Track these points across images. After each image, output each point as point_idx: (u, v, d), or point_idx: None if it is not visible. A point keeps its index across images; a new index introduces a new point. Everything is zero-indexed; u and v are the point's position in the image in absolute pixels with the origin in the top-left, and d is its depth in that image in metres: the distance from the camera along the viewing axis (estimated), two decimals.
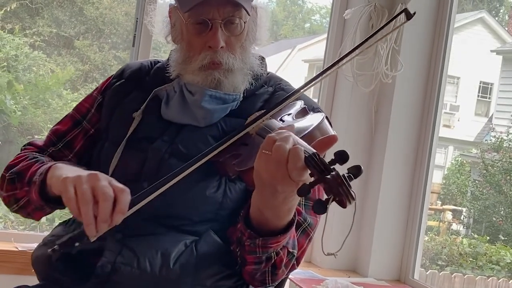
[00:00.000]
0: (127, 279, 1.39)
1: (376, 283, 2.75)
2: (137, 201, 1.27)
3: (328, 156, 1.19)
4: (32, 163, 1.50)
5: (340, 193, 1.10)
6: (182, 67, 1.56)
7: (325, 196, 1.13)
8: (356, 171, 1.13)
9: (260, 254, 1.36)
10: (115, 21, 11.24)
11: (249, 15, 1.54)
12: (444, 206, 11.85)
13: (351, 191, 1.10)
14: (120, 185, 1.26)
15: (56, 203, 1.40)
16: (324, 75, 1.46)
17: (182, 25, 1.54)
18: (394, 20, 1.57)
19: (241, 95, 1.56)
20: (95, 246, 1.41)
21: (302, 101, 1.55)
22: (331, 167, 1.13)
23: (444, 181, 13.52)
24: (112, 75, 1.70)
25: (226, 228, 1.49)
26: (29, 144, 1.65)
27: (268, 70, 1.68)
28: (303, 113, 1.48)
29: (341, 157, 1.14)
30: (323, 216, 1.12)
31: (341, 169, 1.13)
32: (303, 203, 1.48)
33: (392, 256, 2.92)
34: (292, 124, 1.35)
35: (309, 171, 1.16)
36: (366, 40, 1.44)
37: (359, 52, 1.45)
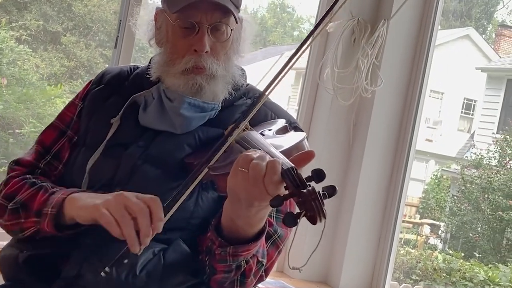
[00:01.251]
0: (93, 285, 1.39)
1: None
2: (168, 207, 1.30)
3: (305, 174, 1.20)
4: (35, 192, 1.48)
5: (313, 208, 1.10)
6: (164, 70, 1.55)
7: (297, 210, 1.13)
8: (331, 191, 1.14)
9: (230, 263, 1.36)
10: (103, 19, 11.21)
11: (236, 22, 1.54)
12: (423, 220, 11.95)
13: (323, 209, 1.11)
14: (148, 196, 1.30)
15: (70, 229, 1.40)
16: (286, 69, 1.45)
17: (168, 27, 1.54)
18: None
19: (220, 105, 1.57)
20: (62, 250, 1.41)
21: (284, 120, 1.56)
22: (307, 183, 1.14)
23: (423, 195, 13.64)
24: (91, 80, 1.70)
25: (196, 237, 1.49)
26: (17, 163, 1.62)
27: (251, 79, 1.69)
28: (283, 130, 1.49)
29: (318, 175, 1.15)
30: (292, 230, 1.13)
31: (316, 187, 1.14)
32: (274, 215, 1.49)
33: (363, 268, 2.94)
34: (270, 140, 1.36)
35: (284, 184, 1.16)
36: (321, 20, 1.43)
37: (313, 39, 1.44)
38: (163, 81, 1.56)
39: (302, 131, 1.55)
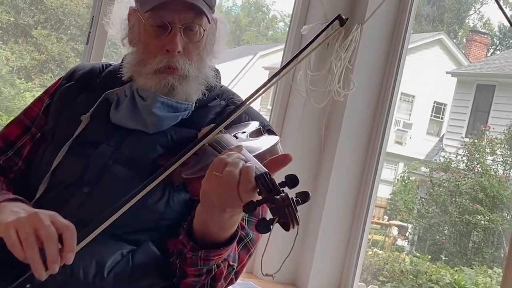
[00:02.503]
0: (59, 286, 1.36)
1: None
2: (85, 234, 1.21)
3: (279, 178, 1.19)
4: None
5: (286, 215, 1.09)
6: (136, 69, 1.53)
7: (269, 216, 1.13)
8: (304, 197, 1.12)
9: (201, 267, 1.34)
10: (76, 13, 11.10)
11: (209, 23, 1.53)
12: (391, 221, 12.05)
13: (297, 215, 1.09)
14: (64, 222, 1.22)
15: None
16: (269, 83, 1.45)
17: (140, 27, 1.52)
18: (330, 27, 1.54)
19: (193, 105, 1.56)
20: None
21: (258, 122, 1.55)
22: (281, 189, 1.13)
23: (391, 197, 13.75)
24: (61, 77, 1.67)
25: (166, 238, 1.47)
26: None
27: (224, 77, 1.68)
28: (257, 133, 1.47)
29: (292, 181, 1.13)
30: (265, 236, 1.12)
31: (290, 193, 1.13)
32: (246, 218, 1.48)
33: (332, 270, 2.95)
34: (243, 143, 1.35)
35: (258, 190, 1.15)
36: (304, 49, 1.42)
37: (296, 63, 1.44)
38: (135, 81, 1.54)
39: (276, 134, 1.55)
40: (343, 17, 1.43)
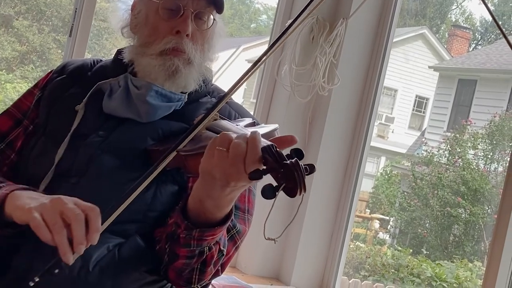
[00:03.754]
0: (44, 279, 1.35)
1: None
2: (106, 215, 1.23)
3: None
4: None
5: (295, 179, 1.08)
6: (139, 51, 1.53)
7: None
8: (311, 168, 1.12)
9: (194, 247, 1.34)
10: (58, 4, 11.01)
11: (218, 13, 1.55)
12: (373, 215, 12.13)
13: (305, 181, 1.09)
14: (88, 204, 1.23)
15: (11, 227, 1.34)
16: (255, 68, 1.44)
17: (149, 10, 1.54)
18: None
19: (186, 97, 1.56)
20: (12, 242, 1.37)
21: (251, 118, 1.57)
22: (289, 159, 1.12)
23: (373, 190, 13.84)
24: (52, 70, 1.67)
25: (153, 229, 1.47)
26: None
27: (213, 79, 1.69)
28: (252, 126, 1.48)
29: (297, 153, 1.13)
30: (269, 202, 1.11)
31: None
32: (233, 212, 1.49)
33: (315, 264, 2.97)
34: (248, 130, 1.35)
35: (263, 161, 1.14)
36: (284, 32, 1.42)
37: (279, 45, 1.42)
38: (136, 62, 1.54)
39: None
40: None
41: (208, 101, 1.61)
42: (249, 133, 1.22)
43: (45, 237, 1.20)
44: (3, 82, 9.43)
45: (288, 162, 1.10)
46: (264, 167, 1.14)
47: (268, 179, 1.12)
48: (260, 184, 1.14)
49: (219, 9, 1.55)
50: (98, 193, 1.36)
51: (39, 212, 1.22)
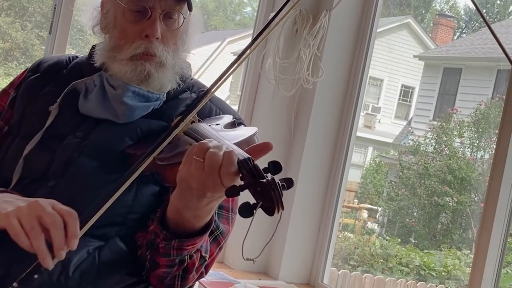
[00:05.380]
0: (23, 285, 1.33)
1: (286, 287, 2.77)
2: (84, 220, 1.20)
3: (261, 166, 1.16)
4: None
5: (272, 199, 1.07)
6: (109, 55, 1.49)
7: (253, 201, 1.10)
8: (289, 183, 1.11)
9: (174, 257, 1.32)
10: (40, 0, 10.90)
11: (190, 10, 1.50)
12: (361, 205, 12.17)
13: (282, 199, 1.08)
14: (66, 208, 1.21)
15: None
16: (237, 63, 1.41)
17: (117, 12, 1.49)
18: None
19: (165, 96, 1.52)
20: None
21: (231, 116, 1.53)
22: (265, 174, 1.11)
23: (362, 180, 13.88)
24: (26, 69, 1.63)
25: (134, 232, 1.45)
26: None
27: (193, 64, 1.66)
28: (232, 125, 1.46)
29: (275, 167, 1.12)
30: (247, 220, 1.09)
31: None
32: (216, 211, 1.46)
33: (303, 259, 2.95)
34: (220, 133, 1.33)
35: (240, 175, 1.13)
36: (263, 29, 1.39)
37: (261, 41, 1.40)
38: (108, 67, 1.51)
39: (246, 126, 1.53)
40: None
41: (188, 97, 1.58)
42: (226, 141, 1.21)
43: (23, 243, 1.17)
44: None
45: (264, 180, 1.09)
46: (241, 183, 1.12)
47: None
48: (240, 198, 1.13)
49: (189, 6, 1.49)
50: (76, 196, 1.33)
51: (16, 217, 1.19)
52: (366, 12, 2.93)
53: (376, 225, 11.95)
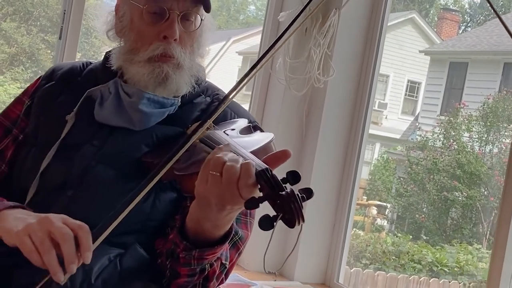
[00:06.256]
0: None
1: (301, 287, 2.76)
2: (101, 230, 1.19)
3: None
4: None
5: (292, 211, 1.06)
6: (126, 58, 1.49)
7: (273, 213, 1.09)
8: (308, 193, 1.10)
9: (194, 266, 1.32)
10: (45, 4, 10.92)
11: (207, 12, 1.50)
12: (370, 201, 12.14)
13: (302, 211, 1.07)
14: (77, 222, 1.20)
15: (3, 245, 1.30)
16: (253, 71, 1.41)
17: (134, 14, 1.48)
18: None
19: (179, 101, 1.52)
20: (13, 259, 1.34)
21: (247, 120, 1.52)
22: (284, 185, 1.10)
23: (370, 177, 13.85)
24: (40, 76, 1.62)
25: (153, 239, 1.44)
26: None
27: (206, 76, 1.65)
28: (247, 130, 1.45)
29: (293, 177, 1.11)
30: (268, 232, 1.09)
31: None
32: (233, 229, 1.46)
33: (318, 259, 2.95)
34: (236, 139, 1.32)
35: (259, 186, 1.12)
36: (282, 35, 1.39)
37: (282, 43, 1.39)
38: (125, 71, 1.50)
39: (262, 131, 1.52)
40: None
41: (203, 101, 1.57)
42: (243, 151, 1.19)
43: (35, 261, 1.17)
44: None
45: (284, 193, 1.08)
46: (260, 195, 1.11)
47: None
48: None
49: (207, 8, 1.48)
50: (94, 205, 1.33)
51: (27, 234, 1.18)
52: (375, 9, 2.92)
53: (386, 221, 11.93)
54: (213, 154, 1.19)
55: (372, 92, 2.92)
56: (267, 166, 1.14)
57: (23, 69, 10.32)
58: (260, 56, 1.29)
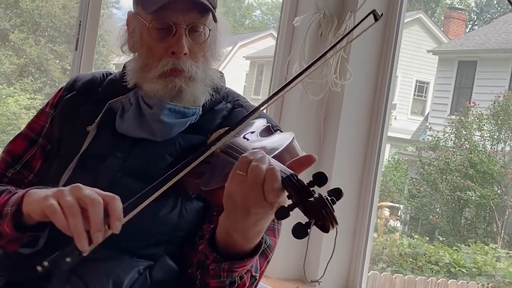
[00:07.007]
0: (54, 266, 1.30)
1: None
2: (129, 209, 1.18)
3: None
4: None
5: (324, 217, 1.04)
6: (140, 75, 1.47)
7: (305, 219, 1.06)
8: (337, 194, 1.07)
9: (224, 279, 1.29)
10: (52, 14, 10.96)
11: (215, 21, 1.48)
12: (382, 203, 12.10)
13: (334, 215, 1.04)
14: (108, 193, 1.17)
15: (35, 230, 1.30)
16: (287, 88, 1.40)
17: (142, 31, 1.47)
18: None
19: (200, 109, 1.50)
20: (42, 273, 1.33)
21: (265, 119, 1.49)
22: (311, 189, 1.07)
23: (381, 178, 13.80)
24: (62, 88, 1.62)
25: (181, 250, 1.43)
26: None
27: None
28: (267, 132, 1.42)
29: (320, 179, 1.08)
30: (303, 241, 1.06)
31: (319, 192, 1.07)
32: (263, 242, 1.44)
33: (340, 264, 2.92)
34: (257, 143, 1.30)
35: (286, 193, 1.10)
36: (333, 46, 1.38)
37: (324, 61, 1.39)
38: (141, 87, 1.49)
39: (281, 131, 1.50)
40: (378, 13, 1.36)
41: (224, 107, 1.55)
42: (267, 157, 1.16)
43: (60, 222, 1.13)
44: (4, 97, 9.40)
45: (313, 199, 1.05)
46: (289, 202, 1.09)
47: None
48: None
49: (214, 18, 1.46)
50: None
51: (55, 198, 1.16)
52: (390, 11, 2.90)
53: (399, 222, 11.88)
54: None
55: (389, 94, 2.90)
56: (292, 172, 1.11)
57: (32, 79, 10.36)
58: (297, 74, 1.28)
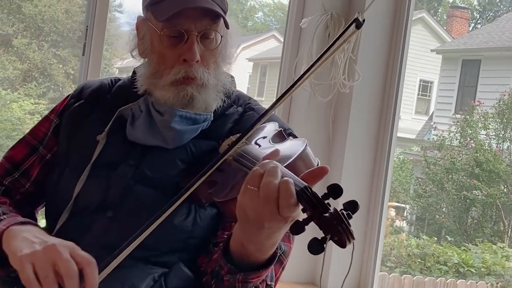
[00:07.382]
0: None
1: None
2: (104, 266, 1.17)
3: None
4: None
5: (340, 232, 1.02)
6: (151, 82, 1.46)
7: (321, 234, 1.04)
8: (353, 208, 1.05)
9: None
10: (55, 19, 10.97)
11: (227, 28, 1.46)
12: (388, 203, 12.07)
13: (351, 230, 1.02)
14: (85, 255, 1.16)
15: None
16: (293, 89, 1.38)
17: (153, 37, 1.45)
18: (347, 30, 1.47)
19: (212, 115, 1.48)
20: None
21: (277, 123, 1.47)
22: (326, 202, 1.05)
23: None
24: (69, 95, 1.60)
25: (196, 257, 1.41)
26: None
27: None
28: (280, 137, 1.39)
29: (335, 191, 1.06)
30: (320, 256, 1.03)
31: (334, 204, 1.05)
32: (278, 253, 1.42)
33: (351, 266, 2.90)
34: (269, 150, 1.27)
35: (301, 207, 1.07)
36: (324, 53, 1.36)
37: (318, 66, 1.37)
38: (152, 94, 1.47)
39: (296, 136, 1.48)
40: (360, 19, 1.34)
41: (235, 112, 1.54)
42: (280, 166, 1.13)
43: None
44: (8, 102, 9.40)
45: (328, 214, 1.03)
46: (304, 216, 1.06)
47: None
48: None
49: (226, 24, 1.44)
50: (135, 225, 1.30)
51: (30, 262, 1.15)
52: (398, 12, 2.89)
53: (405, 223, 11.84)
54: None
55: (399, 94, 2.88)
56: (306, 184, 1.08)
57: (36, 84, 10.36)
58: (301, 74, 1.27)
